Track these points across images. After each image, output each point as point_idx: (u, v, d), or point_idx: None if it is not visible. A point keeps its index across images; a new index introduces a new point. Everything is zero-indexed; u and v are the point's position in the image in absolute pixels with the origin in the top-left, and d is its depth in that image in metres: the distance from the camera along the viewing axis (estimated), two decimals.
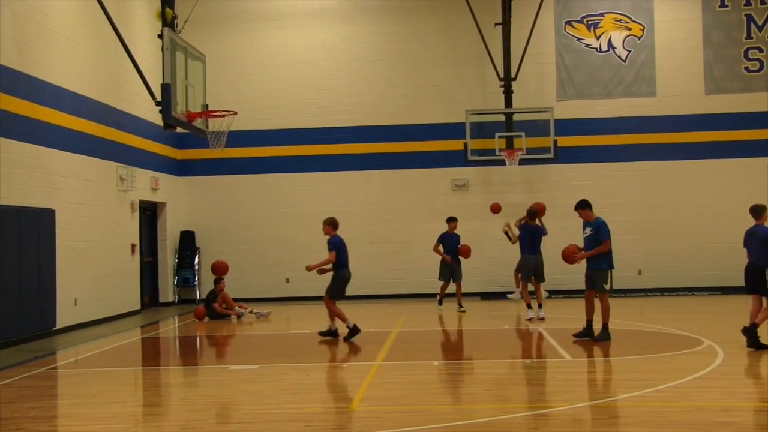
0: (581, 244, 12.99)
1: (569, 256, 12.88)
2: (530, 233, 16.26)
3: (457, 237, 17.88)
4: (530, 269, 16.06)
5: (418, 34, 22.07)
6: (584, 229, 12.94)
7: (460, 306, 17.72)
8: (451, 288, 18.01)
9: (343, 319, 13.64)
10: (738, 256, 20.65)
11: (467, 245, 17.93)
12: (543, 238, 16.35)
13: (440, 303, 18.28)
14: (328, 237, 13.82)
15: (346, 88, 22.13)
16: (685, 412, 7.96)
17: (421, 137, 21.85)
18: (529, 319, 15.63)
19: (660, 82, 21.63)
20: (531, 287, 16.20)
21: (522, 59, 20.99)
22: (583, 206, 13.01)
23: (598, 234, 12.66)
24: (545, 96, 21.62)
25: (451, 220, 17.99)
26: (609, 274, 12.84)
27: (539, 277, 16.13)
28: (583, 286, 13.08)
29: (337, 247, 13.62)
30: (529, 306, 15.94)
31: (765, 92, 21.35)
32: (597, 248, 12.62)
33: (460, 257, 17.85)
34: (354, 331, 13.55)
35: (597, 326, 12.78)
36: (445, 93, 21.90)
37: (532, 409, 8.43)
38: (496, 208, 18.37)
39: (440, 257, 17.87)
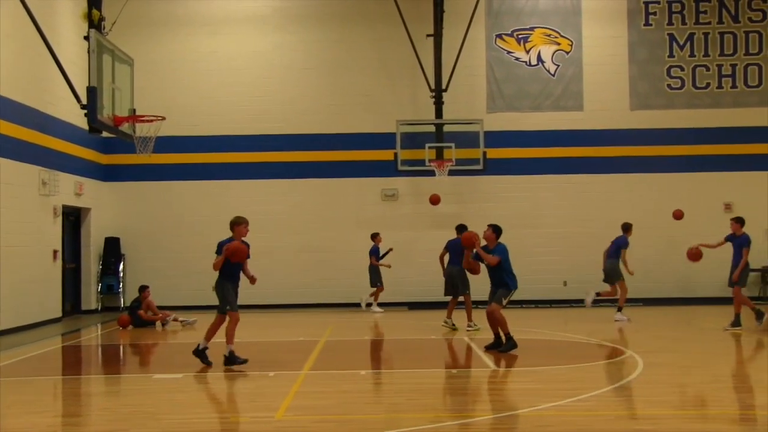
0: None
1: (468, 242, 13.15)
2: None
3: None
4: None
5: (350, 43, 22.10)
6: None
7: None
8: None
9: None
10: (658, 268, 21.34)
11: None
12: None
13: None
14: None
15: (277, 95, 22.01)
16: (607, 420, 8.09)
17: (351, 146, 21.86)
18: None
19: (587, 96, 22.05)
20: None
21: (453, 71, 21.17)
22: (495, 230, 13.09)
23: (505, 259, 12.87)
24: (475, 108, 21.83)
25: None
26: (510, 294, 12.92)
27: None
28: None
29: None
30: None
31: (686, 109, 21.94)
32: (490, 257, 12.80)
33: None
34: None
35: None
36: (376, 102, 21.95)
37: (458, 418, 8.47)
38: (435, 200, 17.73)
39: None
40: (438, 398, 9.82)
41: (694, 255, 16.03)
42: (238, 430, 7.88)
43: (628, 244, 17.82)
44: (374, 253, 20.23)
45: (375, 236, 20.41)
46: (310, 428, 7.98)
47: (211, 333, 11.85)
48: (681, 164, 21.83)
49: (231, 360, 11.55)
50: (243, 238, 11.88)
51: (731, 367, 12.21)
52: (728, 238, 15.74)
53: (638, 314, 19.12)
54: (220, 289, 11.84)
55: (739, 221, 15.75)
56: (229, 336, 11.67)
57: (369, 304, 20.30)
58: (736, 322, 15.33)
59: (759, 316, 15.42)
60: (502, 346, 12.78)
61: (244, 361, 11.56)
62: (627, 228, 18.15)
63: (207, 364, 11.64)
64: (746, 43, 22.07)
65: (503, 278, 12.86)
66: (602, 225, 21.76)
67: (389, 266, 20.25)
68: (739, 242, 15.49)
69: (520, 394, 9.99)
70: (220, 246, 11.70)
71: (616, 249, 17.84)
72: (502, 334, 12.86)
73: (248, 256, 11.86)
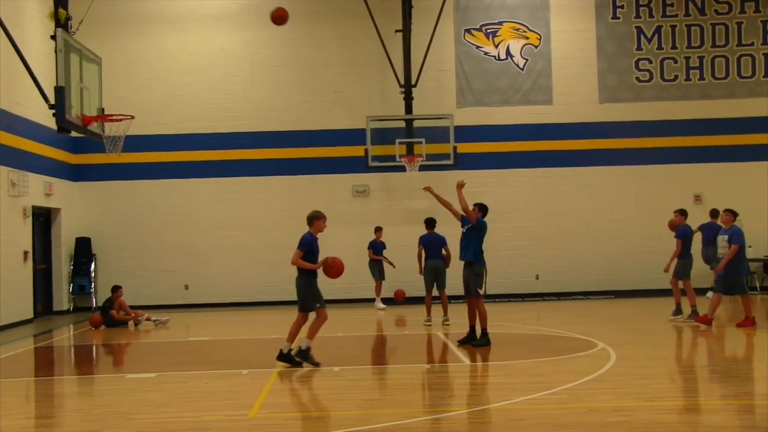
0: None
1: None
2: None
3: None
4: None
5: (319, 40, 22.06)
6: (463, 225, 13.22)
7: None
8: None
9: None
10: (629, 260, 21.50)
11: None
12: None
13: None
14: None
15: (246, 93, 21.93)
16: (579, 413, 8.16)
17: (322, 143, 21.83)
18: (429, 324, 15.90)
19: (556, 90, 22.15)
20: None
21: (422, 66, 21.19)
22: (481, 208, 13.25)
23: (478, 232, 13.00)
24: (445, 103, 21.89)
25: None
26: (483, 279, 12.95)
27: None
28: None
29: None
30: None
31: (654, 102, 22.13)
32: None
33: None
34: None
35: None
36: (346, 99, 21.93)
37: (432, 413, 8.52)
38: (400, 296, 18.06)
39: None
40: (411, 394, 9.85)
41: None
42: (211, 429, 7.87)
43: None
44: (372, 247, 20.02)
45: (377, 230, 20.16)
46: (283, 426, 7.99)
47: (294, 333, 11.37)
48: (650, 156, 21.99)
49: (305, 355, 11.18)
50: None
51: (702, 359, 12.38)
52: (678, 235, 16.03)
53: (610, 307, 19.30)
54: (304, 286, 11.38)
55: (683, 213, 16.00)
56: (312, 331, 11.29)
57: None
58: (678, 311, 15.76)
59: (677, 311, 15.64)
60: (476, 341, 12.84)
61: (318, 364, 11.17)
62: (716, 214, 18.73)
63: (297, 365, 11.19)
64: (713, 35, 22.29)
65: (469, 250, 12.93)
66: (573, 218, 21.97)
67: (393, 266, 20.06)
68: (677, 234, 15.80)
69: (493, 388, 10.05)
70: (304, 242, 11.51)
71: (712, 235, 18.25)
72: (478, 328, 12.92)
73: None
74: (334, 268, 11.40)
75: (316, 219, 11.71)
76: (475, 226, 13.03)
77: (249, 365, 11.51)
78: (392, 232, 20.65)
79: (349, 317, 18.30)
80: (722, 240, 14.64)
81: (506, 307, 19.28)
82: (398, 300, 19.09)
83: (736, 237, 14.39)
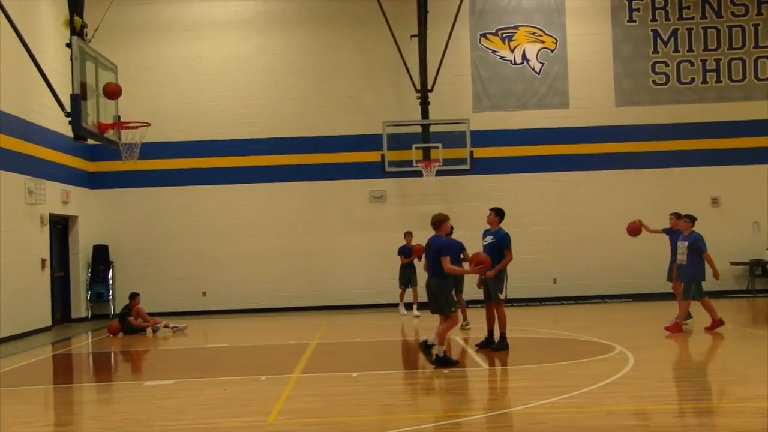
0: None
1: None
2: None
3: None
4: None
5: (334, 46, 22.10)
6: (485, 237, 13.08)
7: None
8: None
9: None
10: (645, 263, 21.36)
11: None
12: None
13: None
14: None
15: (261, 99, 21.99)
16: (597, 417, 8.11)
17: (338, 149, 21.84)
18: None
19: (572, 94, 22.11)
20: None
21: (438, 71, 21.18)
22: (497, 213, 13.14)
23: (501, 244, 12.81)
24: (461, 108, 21.86)
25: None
26: (504, 284, 12.91)
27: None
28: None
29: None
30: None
31: (671, 105, 22.04)
32: (503, 261, 12.72)
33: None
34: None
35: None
36: (361, 104, 21.96)
37: (449, 418, 8.48)
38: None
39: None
40: (430, 399, 9.82)
41: (634, 230, 16.12)
42: None
43: None
44: (402, 252, 19.76)
45: (406, 235, 19.58)
46: (301, 431, 7.97)
47: (443, 337, 11.55)
48: (667, 159, 21.91)
49: (444, 361, 11.37)
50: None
51: (720, 362, 12.28)
52: (667, 231, 15.94)
53: (628, 310, 19.20)
54: (439, 290, 11.51)
55: (678, 217, 15.84)
56: (442, 335, 11.48)
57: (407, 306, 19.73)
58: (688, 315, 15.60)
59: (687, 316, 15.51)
60: (495, 345, 12.81)
61: (456, 363, 11.47)
62: None
63: (454, 364, 11.40)
64: (729, 37, 22.19)
65: (493, 264, 12.75)
66: (590, 221, 21.91)
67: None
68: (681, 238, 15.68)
69: (511, 393, 10.01)
70: (445, 246, 11.57)
71: None
72: (497, 332, 12.88)
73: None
74: (481, 265, 11.70)
75: (442, 222, 11.84)
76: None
77: (267, 371, 11.50)
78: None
79: (368, 323, 18.30)
80: (682, 246, 14.55)
81: (524, 311, 19.20)
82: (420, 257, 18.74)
83: (703, 243, 14.40)
